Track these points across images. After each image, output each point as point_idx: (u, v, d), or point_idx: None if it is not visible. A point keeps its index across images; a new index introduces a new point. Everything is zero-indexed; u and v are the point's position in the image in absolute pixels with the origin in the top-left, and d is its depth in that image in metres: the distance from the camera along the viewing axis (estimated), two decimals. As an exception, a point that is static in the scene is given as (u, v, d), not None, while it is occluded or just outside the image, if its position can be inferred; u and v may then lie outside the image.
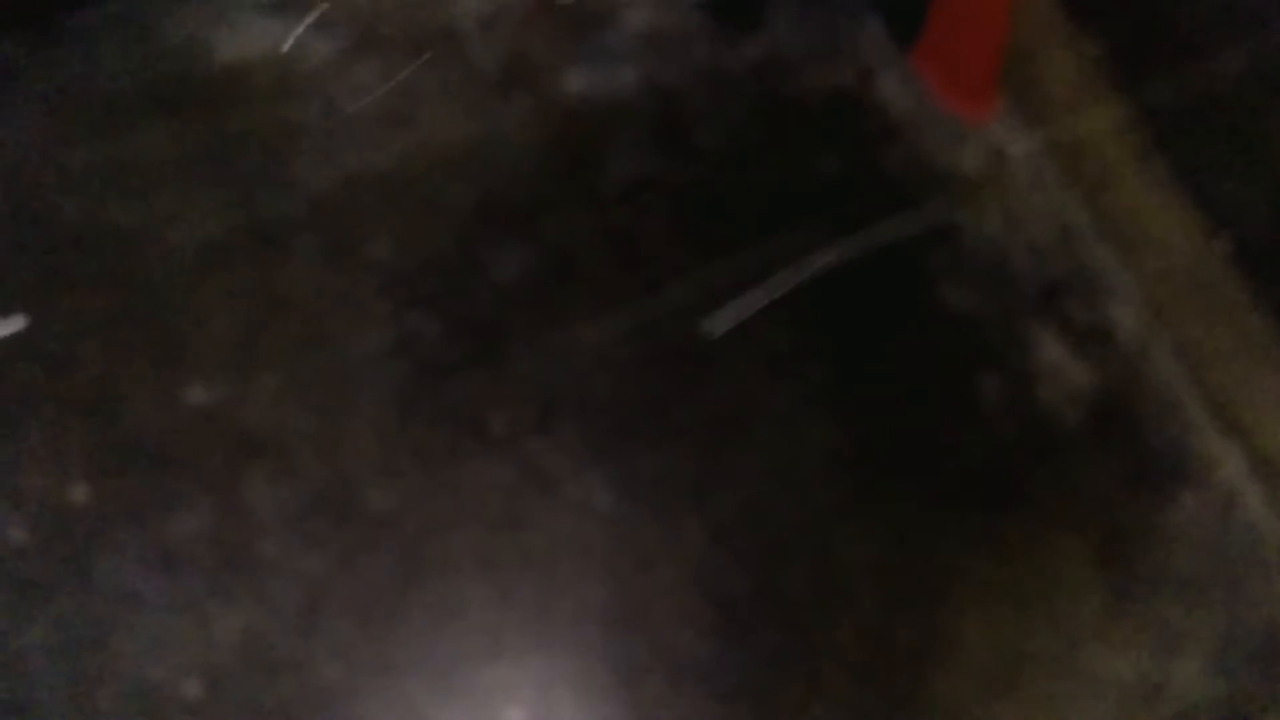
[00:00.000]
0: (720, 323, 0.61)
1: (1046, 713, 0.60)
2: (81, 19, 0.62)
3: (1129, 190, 0.69)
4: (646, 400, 0.62)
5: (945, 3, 0.67)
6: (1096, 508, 0.65)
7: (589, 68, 0.65)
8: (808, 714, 0.58)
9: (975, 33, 0.68)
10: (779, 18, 0.66)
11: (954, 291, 0.66)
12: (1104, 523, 0.64)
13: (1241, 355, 0.68)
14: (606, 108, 0.65)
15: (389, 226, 0.63)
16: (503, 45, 0.64)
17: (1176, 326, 0.68)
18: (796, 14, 0.66)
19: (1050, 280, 0.68)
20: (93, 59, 0.62)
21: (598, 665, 0.58)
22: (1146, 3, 0.68)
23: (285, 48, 0.63)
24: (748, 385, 0.63)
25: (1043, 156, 0.68)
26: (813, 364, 0.64)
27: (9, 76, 0.61)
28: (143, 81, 0.62)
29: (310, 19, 0.63)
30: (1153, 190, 0.69)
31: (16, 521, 0.56)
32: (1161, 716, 0.61)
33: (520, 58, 0.65)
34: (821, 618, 0.60)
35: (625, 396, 0.62)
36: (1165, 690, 0.61)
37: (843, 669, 0.59)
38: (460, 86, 0.64)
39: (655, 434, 0.62)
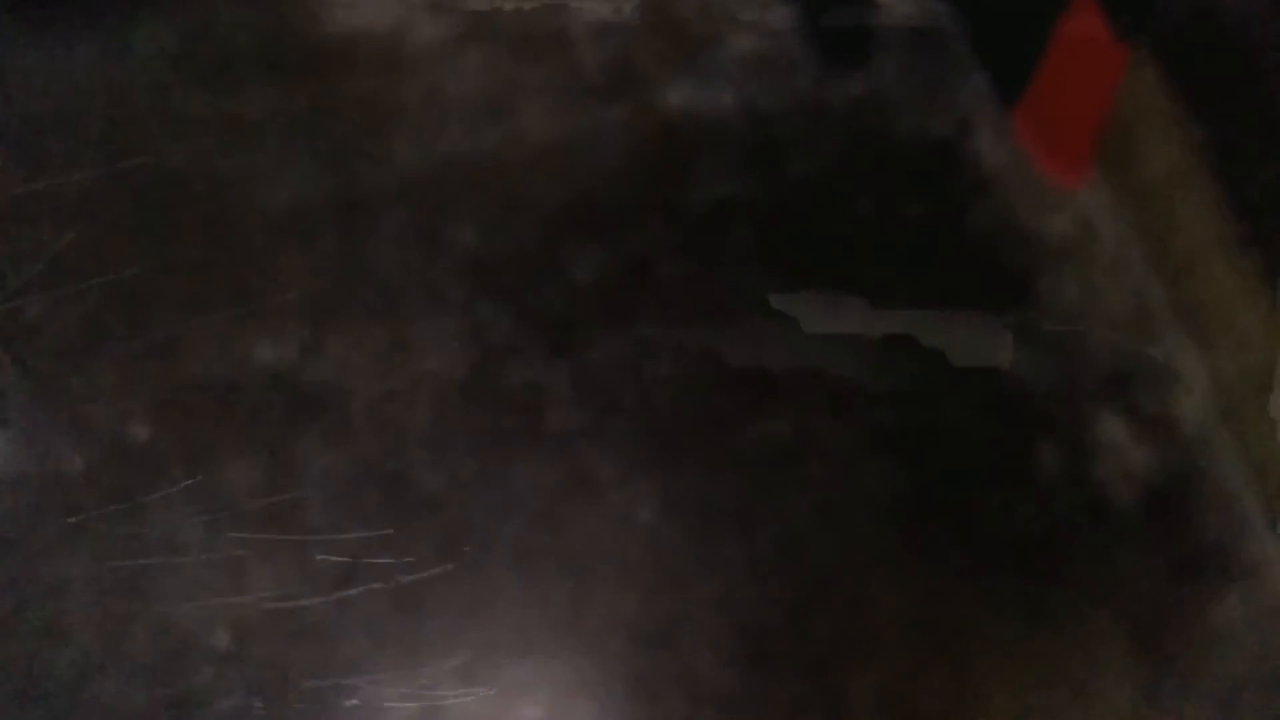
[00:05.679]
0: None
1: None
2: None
3: (1214, 281, 0.68)
4: (703, 420, 0.62)
5: (1053, 66, 0.66)
6: (1139, 595, 0.64)
7: (690, 85, 0.65)
8: (821, 756, 0.58)
9: (1079, 99, 0.67)
10: (884, 58, 0.66)
11: (1023, 356, 0.65)
12: (1144, 612, 0.63)
13: (1307, 460, 0.67)
14: (702, 125, 0.65)
15: (475, 213, 0.63)
16: (610, 54, 0.65)
17: (1244, 424, 0.66)
18: (902, 56, 0.66)
19: (1121, 360, 0.67)
20: (212, 10, 0.63)
21: (620, 678, 0.58)
22: (1255, 94, 0.67)
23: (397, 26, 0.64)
24: (808, 422, 0.63)
25: (1131, 234, 0.68)
26: (875, 410, 0.63)
27: (130, 19, 0.63)
28: (255, 40, 0.63)
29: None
30: (1239, 284, 0.68)
31: (76, 450, 0.57)
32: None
33: (625, 67, 0.65)
34: (847, 665, 0.60)
35: (682, 413, 0.62)
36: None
37: None
38: (562, 88, 0.65)
39: (707, 455, 0.62)
